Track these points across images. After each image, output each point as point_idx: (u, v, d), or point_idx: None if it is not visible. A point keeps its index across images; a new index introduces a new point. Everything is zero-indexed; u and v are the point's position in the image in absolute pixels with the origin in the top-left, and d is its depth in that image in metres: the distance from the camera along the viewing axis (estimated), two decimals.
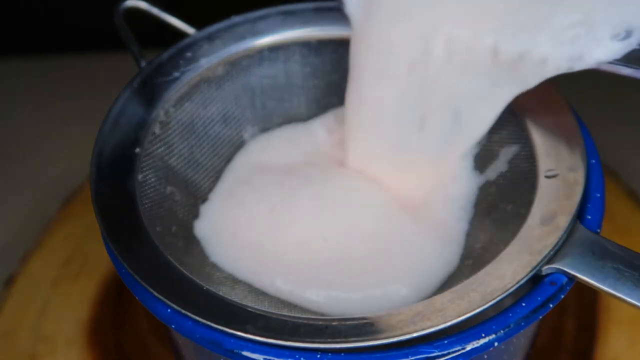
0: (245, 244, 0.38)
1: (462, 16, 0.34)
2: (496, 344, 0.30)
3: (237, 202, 0.40)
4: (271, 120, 0.45)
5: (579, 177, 0.34)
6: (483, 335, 0.30)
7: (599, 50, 0.32)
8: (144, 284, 0.31)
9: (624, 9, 0.31)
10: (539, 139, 0.36)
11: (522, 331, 0.31)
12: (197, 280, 0.32)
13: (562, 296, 0.31)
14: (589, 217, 0.33)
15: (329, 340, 0.29)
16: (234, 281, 0.37)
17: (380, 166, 0.39)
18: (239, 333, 0.30)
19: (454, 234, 0.38)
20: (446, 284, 0.36)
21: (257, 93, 0.44)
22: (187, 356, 0.37)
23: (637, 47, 0.31)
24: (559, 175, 0.34)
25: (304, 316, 0.32)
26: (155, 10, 0.43)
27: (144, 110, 0.39)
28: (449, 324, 0.29)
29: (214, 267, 0.37)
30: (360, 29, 0.37)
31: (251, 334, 0.30)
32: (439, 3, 0.35)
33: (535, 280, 0.31)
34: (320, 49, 0.43)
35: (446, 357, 0.29)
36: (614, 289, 0.30)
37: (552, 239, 0.32)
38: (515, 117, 0.38)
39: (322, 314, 0.35)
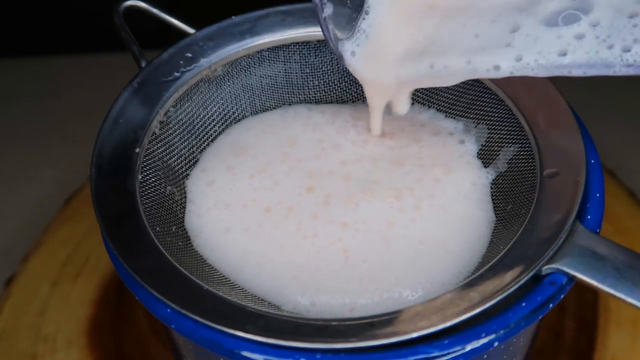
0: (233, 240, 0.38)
1: None
2: (496, 344, 0.30)
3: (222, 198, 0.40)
4: None
5: (579, 177, 0.34)
6: (483, 335, 0.30)
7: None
8: (144, 284, 0.31)
9: None
10: (539, 139, 0.36)
11: (522, 331, 0.31)
12: (197, 280, 0.32)
13: (562, 296, 0.31)
14: (589, 217, 0.33)
15: (329, 340, 0.29)
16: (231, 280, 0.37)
17: None
18: (239, 333, 0.30)
19: (476, 236, 0.37)
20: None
21: (257, 93, 0.44)
22: (187, 356, 0.37)
23: None
24: (559, 175, 0.34)
25: (304, 316, 0.32)
26: (155, 10, 0.43)
27: (144, 110, 0.39)
28: (449, 324, 0.29)
29: (213, 266, 0.37)
30: None
31: (251, 334, 0.30)
32: None
33: (535, 280, 0.31)
34: (320, 49, 0.43)
35: (446, 357, 0.29)
36: (614, 289, 0.30)
37: (552, 239, 0.32)
38: (515, 117, 0.38)
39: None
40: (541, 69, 0.33)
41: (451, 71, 0.35)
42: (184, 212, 0.39)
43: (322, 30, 0.37)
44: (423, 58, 0.36)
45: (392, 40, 0.36)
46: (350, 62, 0.37)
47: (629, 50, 0.31)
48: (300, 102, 0.45)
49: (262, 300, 0.35)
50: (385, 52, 0.37)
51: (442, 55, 0.35)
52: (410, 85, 0.39)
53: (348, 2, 0.37)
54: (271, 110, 0.44)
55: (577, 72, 0.32)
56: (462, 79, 0.36)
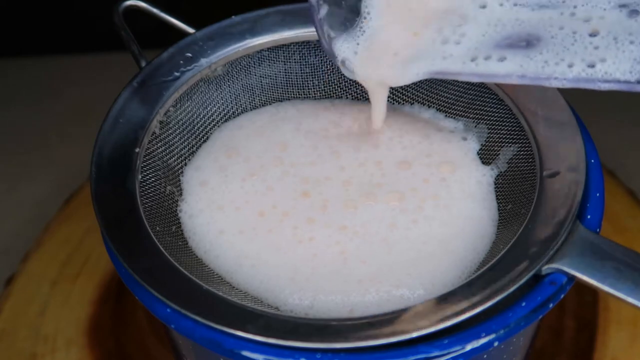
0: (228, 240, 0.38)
1: None
2: (496, 343, 0.30)
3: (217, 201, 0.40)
4: None
5: (579, 177, 0.34)
6: (483, 335, 0.30)
7: None
8: (144, 284, 0.31)
9: None
10: (539, 139, 0.36)
11: (522, 331, 0.31)
12: (197, 280, 0.32)
13: (562, 296, 0.31)
14: (589, 217, 0.33)
15: (329, 340, 0.29)
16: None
17: None
18: (239, 333, 0.30)
19: (479, 235, 0.37)
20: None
21: (257, 93, 0.44)
22: (187, 356, 0.37)
23: None
24: (559, 175, 0.34)
25: (303, 316, 0.32)
26: (155, 10, 0.43)
27: (144, 110, 0.39)
28: (449, 323, 0.29)
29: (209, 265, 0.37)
30: None
31: (251, 334, 0.30)
32: None
33: (536, 280, 0.31)
34: (320, 48, 0.43)
35: (446, 357, 0.29)
36: (614, 288, 0.30)
37: (552, 238, 0.32)
38: (515, 117, 0.38)
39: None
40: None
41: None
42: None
43: (317, 31, 0.38)
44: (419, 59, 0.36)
45: (391, 40, 0.36)
46: (351, 61, 0.38)
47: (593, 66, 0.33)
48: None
49: (261, 301, 0.35)
50: (385, 52, 0.37)
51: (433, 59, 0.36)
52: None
53: (343, 3, 0.37)
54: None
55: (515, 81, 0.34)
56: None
